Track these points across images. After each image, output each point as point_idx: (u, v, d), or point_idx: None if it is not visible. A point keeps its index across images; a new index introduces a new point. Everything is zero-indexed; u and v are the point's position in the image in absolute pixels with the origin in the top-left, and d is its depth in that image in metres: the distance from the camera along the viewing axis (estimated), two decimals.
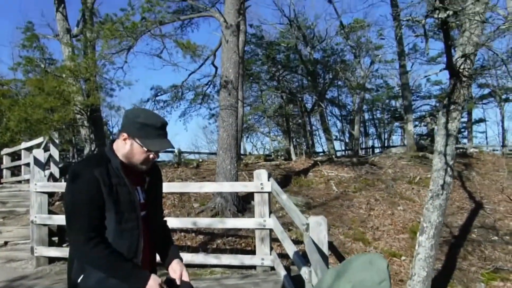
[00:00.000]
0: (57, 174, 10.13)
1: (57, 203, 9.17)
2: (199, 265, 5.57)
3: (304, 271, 3.64)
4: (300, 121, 24.35)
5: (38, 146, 10.50)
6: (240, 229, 7.48)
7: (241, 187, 6.37)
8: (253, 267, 5.44)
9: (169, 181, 10.24)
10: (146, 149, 1.95)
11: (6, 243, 6.93)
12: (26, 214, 7.71)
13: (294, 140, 23.99)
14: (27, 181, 10.10)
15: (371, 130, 31.77)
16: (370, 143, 31.37)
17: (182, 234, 7.56)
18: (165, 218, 2.37)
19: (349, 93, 26.52)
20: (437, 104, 25.35)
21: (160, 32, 11.60)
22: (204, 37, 56.58)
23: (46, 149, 10.20)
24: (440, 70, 6.67)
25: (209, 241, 7.48)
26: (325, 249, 3.33)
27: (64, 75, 12.01)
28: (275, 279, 4.94)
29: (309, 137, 24.49)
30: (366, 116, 30.00)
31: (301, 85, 24.40)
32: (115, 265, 1.88)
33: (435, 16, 4.97)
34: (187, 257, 5.35)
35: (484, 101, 27.08)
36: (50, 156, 10.11)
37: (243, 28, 13.73)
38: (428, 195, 6.43)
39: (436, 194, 6.24)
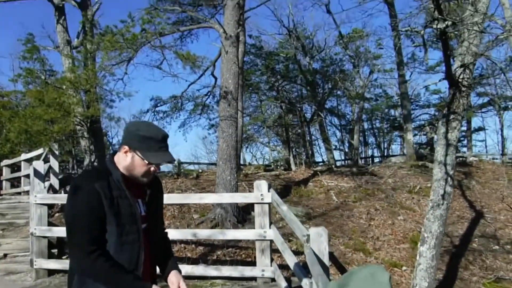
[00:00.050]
0: (56, 186, 10.10)
1: (56, 214, 9.14)
2: (199, 276, 5.53)
3: (305, 283, 3.62)
4: (299, 131, 24.34)
5: (38, 157, 10.49)
6: (240, 240, 7.45)
7: (241, 198, 6.37)
8: (254, 278, 5.41)
9: (169, 192, 10.22)
10: (147, 162, 1.95)
11: (5, 255, 6.89)
12: (25, 226, 7.68)
13: (293, 150, 23.95)
14: (27, 192, 10.07)
15: (371, 139, 31.80)
16: (369, 152, 31.34)
17: (182, 245, 7.52)
18: (166, 230, 2.37)
19: (348, 103, 26.58)
20: (436, 113, 25.41)
21: (160, 43, 11.65)
22: (203, 48, 56.94)
23: (46, 160, 10.19)
24: (440, 80, 6.71)
25: (209, 252, 7.45)
26: (326, 260, 3.31)
27: (64, 87, 12.06)
28: None
29: (308, 147, 24.47)
30: (366, 125, 30.05)
31: (300, 95, 24.45)
32: (116, 278, 1.87)
33: (434, 26, 5.01)
34: (187, 268, 5.32)
35: (483, 110, 27.08)
36: (50, 167, 10.09)
37: (243, 38, 13.81)
38: (428, 205, 6.42)
39: (436, 204, 6.23)
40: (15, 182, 13.63)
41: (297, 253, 6.74)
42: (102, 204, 1.85)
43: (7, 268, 6.53)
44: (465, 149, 27.18)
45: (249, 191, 9.81)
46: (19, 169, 12.40)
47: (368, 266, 1.91)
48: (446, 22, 4.97)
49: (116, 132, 28.87)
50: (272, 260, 5.35)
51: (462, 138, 27.33)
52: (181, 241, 7.48)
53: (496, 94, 24.63)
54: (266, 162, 26.73)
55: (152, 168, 1.99)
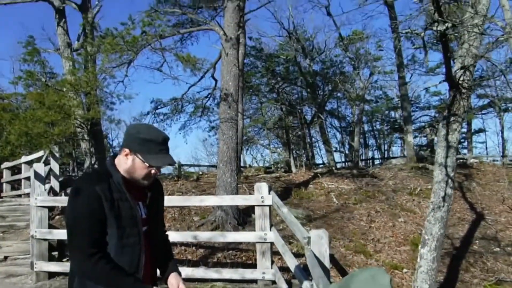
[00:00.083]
0: (57, 188, 10.10)
1: (57, 217, 9.13)
2: (199, 279, 5.52)
3: (306, 285, 3.61)
4: (299, 133, 24.35)
5: (38, 160, 10.50)
6: (240, 243, 7.44)
7: (241, 200, 6.34)
8: (254, 281, 5.40)
9: (169, 194, 10.21)
10: (147, 165, 1.95)
11: (5, 258, 6.88)
12: (26, 229, 7.68)
13: (294, 152, 23.97)
14: (27, 195, 10.07)
15: (371, 141, 31.78)
16: (370, 154, 31.37)
17: (183, 248, 7.52)
18: (166, 233, 2.37)
19: (348, 105, 26.57)
20: (437, 115, 25.39)
21: (160, 45, 11.63)
22: (204, 50, 56.87)
23: (46, 162, 10.18)
24: (440, 82, 6.71)
25: (209, 255, 7.44)
26: (326, 262, 3.30)
27: (64, 89, 12.05)
28: None
29: (309, 149, 24.49)
30: (366, 127, 30.03)
31: (300, 97, 24.47)
32: (117, 280, 1.87)
33: (434, 28, 5.01)
34: (187, 271, 5.31)
35: (484, 112, 27.10)
36: (50, 170, 10.09)
37: (243, 41, 13.83)
38: (429, 207, 6.42)
39: (437, 206, 6.22)
40: (15, 185, 13.64)
41: (297, 255, 6.73)
42: (102, 207, 1.85)
43: (7, 271, 6.52)
44: (465, 151, 27.16)
45: (250, 193, 9.80)
46: (19, 172, 12.41)
47: (368, 269, 1.91)
48: (446, 24, 4.98)
49: (116, 134, 28.91)
50: (272, 262, 5.34)
51: (462, 140, 27.31)
52: (182, 244, 7.47)
53: (496, 96, 24.64)
54: (267, 164, 26.77)
55: (152, 171, 1.99)
